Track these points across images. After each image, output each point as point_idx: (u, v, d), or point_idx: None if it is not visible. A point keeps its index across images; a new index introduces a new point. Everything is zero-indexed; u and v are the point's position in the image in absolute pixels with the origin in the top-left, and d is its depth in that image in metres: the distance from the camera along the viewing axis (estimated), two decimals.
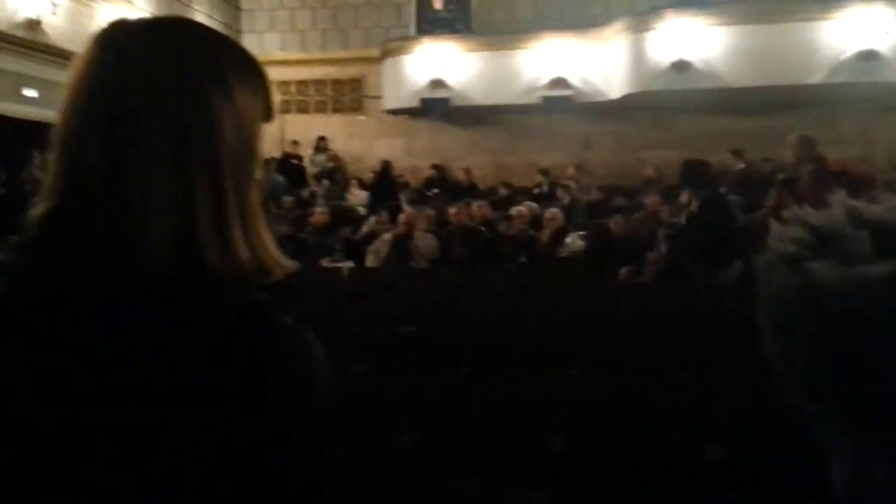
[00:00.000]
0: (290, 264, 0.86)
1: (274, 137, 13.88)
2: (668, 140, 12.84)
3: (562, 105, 12.51)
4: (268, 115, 0.87)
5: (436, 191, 12.05)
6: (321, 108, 14.36)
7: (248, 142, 0.83)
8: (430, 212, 7.94)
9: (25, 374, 0.75)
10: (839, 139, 12.41)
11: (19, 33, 8.96)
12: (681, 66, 11.27)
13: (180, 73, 0.79)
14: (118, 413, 0.74)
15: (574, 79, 12.51)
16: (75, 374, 0.75)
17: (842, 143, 12.44)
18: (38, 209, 0.79)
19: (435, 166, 12.98)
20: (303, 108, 14.29)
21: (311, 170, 13.22)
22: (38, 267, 0.78)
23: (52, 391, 0.75)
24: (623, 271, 6.22)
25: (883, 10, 10.80)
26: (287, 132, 13.75)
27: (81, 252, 0.76)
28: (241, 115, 0.82)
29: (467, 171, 12.82)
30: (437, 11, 13.46)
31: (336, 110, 14.35)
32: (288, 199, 10.90)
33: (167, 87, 0.79)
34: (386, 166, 12.44)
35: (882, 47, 10.74)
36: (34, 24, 9.10)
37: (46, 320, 0.76)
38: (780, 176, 6.37)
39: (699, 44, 11.21)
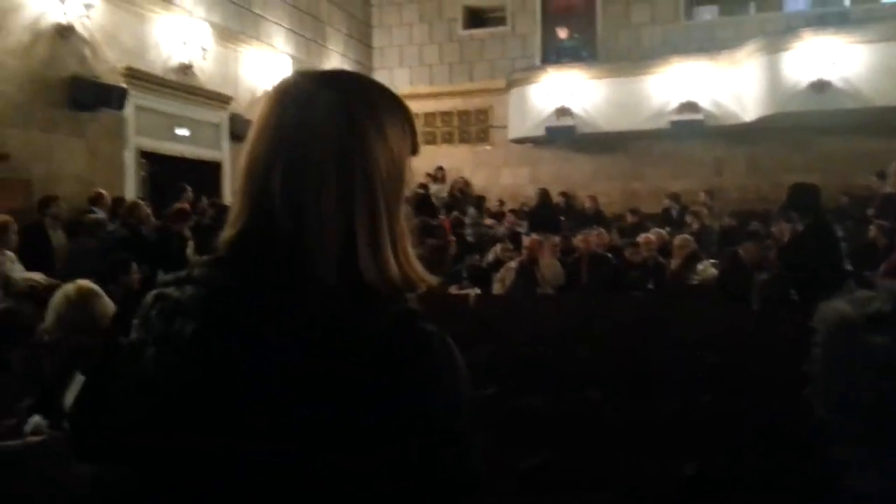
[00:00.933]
0: (432, 279, 0.98)
1: None
2: (806, 163, 12.27)
3: (691, 129, 12.25)
4: (414, 150, 1.01)
5: (562, 219, 12.03)
6: (448, 139, 14.69)
7: (399, 173, 0.97)
8: (556, 239, 7.94)
9: (223, 369, 0.89)
10: None
11: (173, 77, 9.72)
12: (819, 86, 10.80)
13: (344, 117, 0.94)
14: (293, 407, 0.86)
15: (704, 102, 12.23)
16: (263, 367, 0.88)
17: None
18: (226, 232, 0.95)
19: (561, 194, 12.95)
20: (430, 140, 14.66)
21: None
22: (232, 278, 0.93)
23: (244, 382, 0.88)
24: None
25: None
26: (414, 163, 14.13)
27: (266, 266, 0.91)
28: (392, 151, 0.96)
29: (593, 198, 12.70)
30: (562, 41, 13.53)
31: (463, 141, 14.63)
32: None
33: (334, 129, 0.93)
34: (544, 194, 12.36)
35: None
36: (186, 69, 9.85)
37: (239, 324, 0.89)
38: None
39: (839, 62, 10.70)
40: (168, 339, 0.91)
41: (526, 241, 7.62)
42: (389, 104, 0.98)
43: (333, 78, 1.00)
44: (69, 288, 3.06)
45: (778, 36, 11.45)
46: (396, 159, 0.96)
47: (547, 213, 11.92)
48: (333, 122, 0.93)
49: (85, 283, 3.11)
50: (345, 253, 0.90)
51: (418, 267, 0.97)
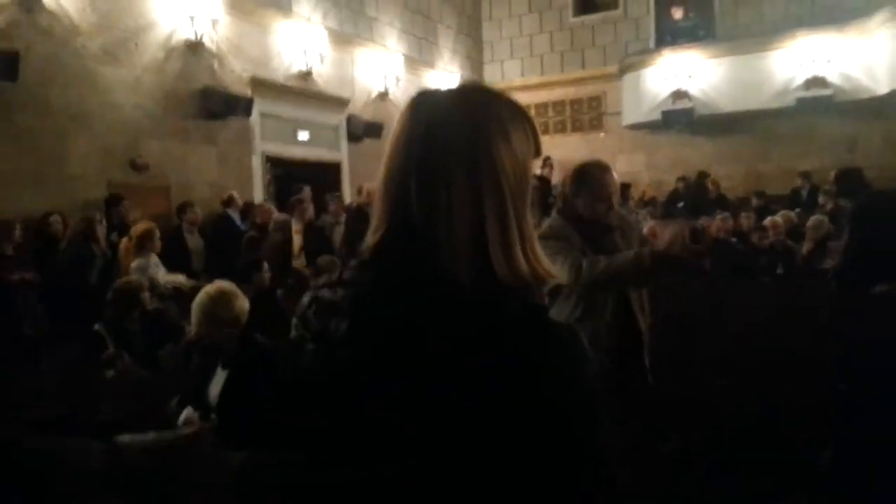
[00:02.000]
0: (558, 274, 1.04)
1: None
2: None
3: (820, 105, 11.63)
4: (537, 152, 1.07)
5: (681, 204, 11.70)
6: (560, 129, 14.57)
7: (524, 175, 1.04)
8: (678, 226, 7.73)
9: (372, 363, 0.98)
10: None
11: (294, 83, 10.12)
12: None
13: (472, 128, 1.01)
14: (436, 400, 0.94)
15: (833, 76, 11.58)
16: (407, 362, 0.96)
17: None
18: (370, 238, 1.05)
19: (681, 178, 12.59)
20: (543, 131, 14.50)
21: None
22: (377, 280, 1.03)
23: (391, 375, 0.97)
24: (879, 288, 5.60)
25: None
26: None
27: (406, 267, 1.00)
28: (517, 155, 1.03)
29: (714, 182, 12.29)
30: (678, 20, 13.13)
31: (575, 129, 14.47)
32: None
33: (463, 138, 1.01)
34: (700, 177, 12.06)
35: None
36: (306, 75, 10.24)
37: (384, 322, 0.99)
38: None
39: None
40: (325, 336, 1.02)
41: (645, 228, 7.46)
42: (512, 112, 1.05)
43: (461, 91, 1.09)
44: (210, 288, 3.28)
45: None
46: (521, 162, 1.03)
47: (702, 196, 11.60)
48: (462, 132, 1.01)
49: (224, 283, 3.32)
50: (477, 252, 0.97)
51: (545, 262, 1.03)
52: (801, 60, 11.72)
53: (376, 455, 0.96)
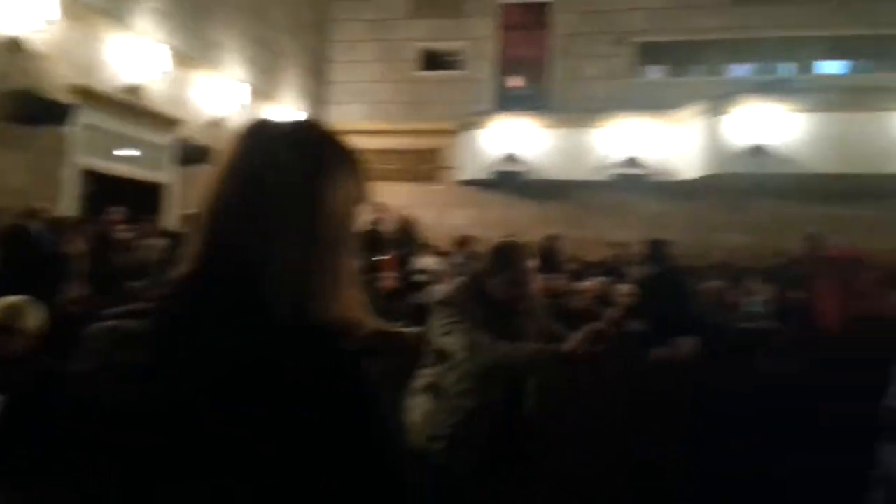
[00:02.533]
0: (374, 323, 1.06)
1: None
2: (741, 224, 12.74)
3: (634, 183, 12.59)
4: (362, 197, 1.09)
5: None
6: (398, 177, 14.78)
7: (346, 220, 1.05)
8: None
9: (170, 400, 0.95)
10: None
11: (124, 97, 9.60)
12: (757, 151, 11.25)
13: (301, 166, 1.02)
14: (232, 439, 0.92)
15: (647, 158, 12.60)
16: (207, 400, 0.94)
17: None
18: (182, 268, 1.02)
19: (509, 237, 13.11)
20: (381, 177, 14.73)
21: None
22: (183, 314, 0.99)
23: (189, 413, 0.94)
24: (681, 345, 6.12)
25: None
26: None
27: (217, 303, 0.97)
28: (342, 198, 1.04)
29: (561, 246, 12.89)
30: (515, 89, 13.82)
31: (413, 179, 14.73)
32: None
33: (289, 177, 1.01)
34: (551, 241, 12.51)
35: None
36: (138, 89, 9.75)
37: (186, 358, 0.96)
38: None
39: (777, 129, 11.18)
40: (118, 368, 0.96)
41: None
42: (342, 155, 1.06)
43: (294, 128, 1.08)
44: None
45: (721, 99, 11.91)
46: (345, 206, 1.03)
47: (552, 263, 12.00)
48: (290, 169, 1.00)
49: (17, 298, 3.03)
50: (294, 293, 0.96)
51: (362, 309, 1.04)
52: (621, 139, 12.66)
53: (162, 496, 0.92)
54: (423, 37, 14.75)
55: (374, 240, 12.91)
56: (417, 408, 2.90)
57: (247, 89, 11.92)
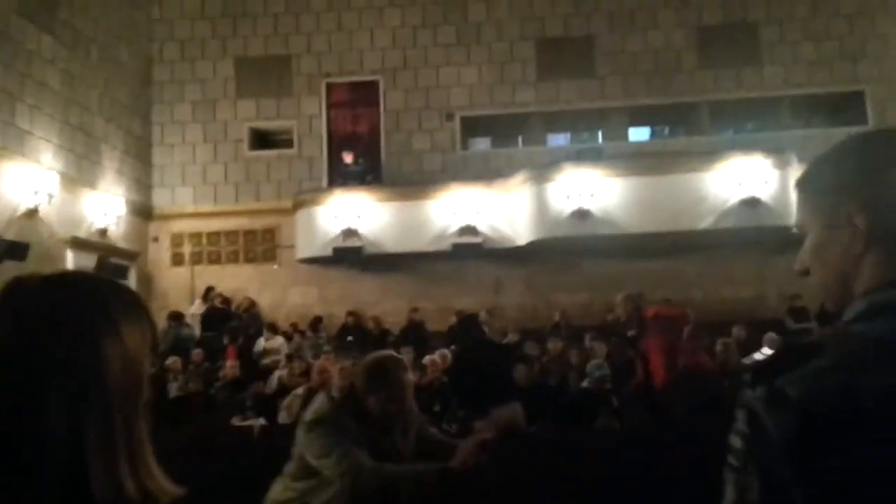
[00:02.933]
0: (176, 490, 0.94)
1: (184, 289, 13.76)
2: (575, 283, 13.39)
3: (471, 251, 12.93)
4: (154, 350, 0.98)
5: (350, 338, 12.05)
6: (233, 259, 14.35)
7: (136, 377, 0.93)
8: (347, 362, 7.84)
9: None
10: (733, 280, 13.26)
11: None
12: (581, 214, 11.92)
13: (72, 323, 0.90)
14: None
15: (482, 226, 13.01)
16: None
17: (735, 284, 13.29)
18: None
19: (350, 313, 13.02)
20: (214, 259, 14.26)
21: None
22: None
23: None
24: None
25: (761, 160, 11.84)
26: (197, 283, 13.65)
27: None
28: (129, 354, 0.93)
29: (376, 319, 12.98)
30: (348, 165, 13.93)
31: (249, 260, 14.35)
32: (196, 352, 10.64)
33: (61, 337, 0.89)
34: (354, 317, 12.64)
35: (762, 195, 11.67)
36: None
37: None
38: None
39: (596, 193, 11.92)
40: None
41: (316, 365, 7.48)
42: (126, 303, 0.96)
43: (63, 280, 0.97)
44: None
45: (543, 168, 12.58)
46: (134, 362, 0.93)
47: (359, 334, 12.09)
48: (60, 327, 0.89)
49: None
50: (73, 470, 0.85)
51: (159, 477, 0.93)
52: (455, 209, 13.02)
53: None
54: (250, 116, 14.60)
55: (213, 326, 12.44)
56: None
57: (57, 178, 11.19)
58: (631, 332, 7.17)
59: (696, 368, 5.84)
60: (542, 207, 12.31)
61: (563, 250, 12.86)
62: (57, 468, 0.84)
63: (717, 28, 14.14)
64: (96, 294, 0.95)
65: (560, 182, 12.14)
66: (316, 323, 12.94)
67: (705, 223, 11.80)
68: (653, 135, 15.66)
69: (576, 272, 13.45)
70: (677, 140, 14.84)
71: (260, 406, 7.43)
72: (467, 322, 8.41)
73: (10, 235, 10.16)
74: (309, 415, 2.91)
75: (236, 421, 7.01)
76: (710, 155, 12.38)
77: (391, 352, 3.26)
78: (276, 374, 8.57)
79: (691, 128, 14.57)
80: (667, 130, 15.69)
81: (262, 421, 6.94)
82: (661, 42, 14.18)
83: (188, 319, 12.53)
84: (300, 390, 7.33)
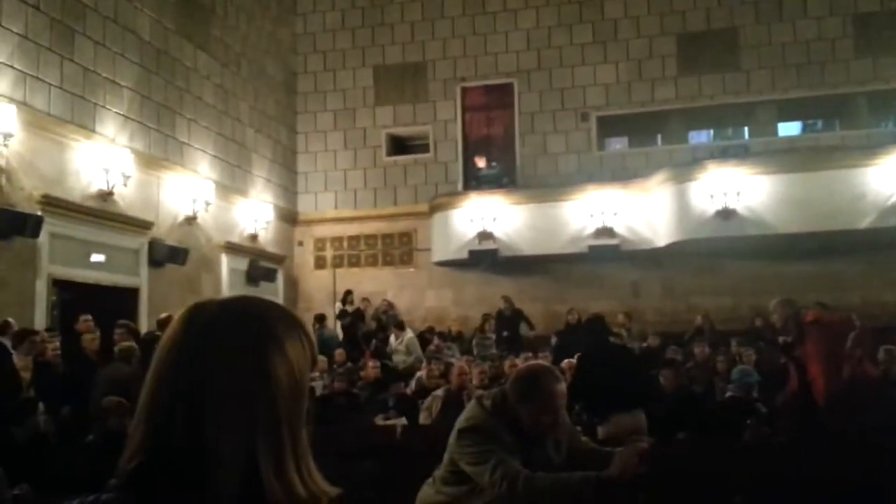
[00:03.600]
0: (333, 490, 1.03)
1: (326, 291, 14.27)
2: (717, 286, 12.84)
3: (608, 254, 12.68)
4: (314, 364, 1.08)
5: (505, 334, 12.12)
6: (372, 262, 14.77)
7: (300, 388, 1.03)
8: (485, 365, 7.91)
9: None
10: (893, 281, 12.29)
11: (91, 204, 9.54)
12: (725, 214, 11.43)
13: (245, 345, 1.00)
14: None
15: (619, 228, 12.73)
16: None
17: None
18: (131, 459, 0.97)
19: (486, 316, 13.05)
20: (354, 263, 14.73)
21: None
22: None
23: None
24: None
25: None
26: (339, 286, 14.12)
27: (170, 495, 0.93)
28: (294, 370, 1.02)
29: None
30: (483, 168, 14.01)
31: (386, 263, 14.73)
32: (339, 352, 11.00)
33: (235, 358, 0.99)
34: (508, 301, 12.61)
35: None
36: (105, 195, 9.68)
37: None
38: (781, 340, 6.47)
39: (743, 192, 11.39)
40: None
41: (455, 367, 7.57)
42: (288, 324, 1.05)
43: (236, 304, 1.07)
44: None
45: (684, 166, 12.16)
46: (297, 375, 1.02)
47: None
48: (235, 348, 0.99)
49: None
50: (249, 476, 0.94)
51: (320, 480, 1.02)
52: (591, 211, 12.81)
53: None
54: (388, 123, 14.98)
55: (355, 328, 12.85)
56: None
57: (212, 186, 11.91)
58: (784, 339, 6.76)
59: (864, 378, 5.45)
60: (683, 207, 11.90)
61: (705, 252, 12.38)
62: (233, 477, 0.92)
63: (875, 14, 13.17)
64: (266, 318, 1.03)
65: (703, 181, 11.69)
66: (483, 323, 12.87)
67: (864, 222, 11.01)
68: (804, 129, 14.78)
69: (718, 275, 12.90)
70: (832, 134, 13.94)
71: (401, 406, 7.58)
72: (593, 324, 8.23)
73: (171, 241, 10.92)
74: (462, 422, 2.89)
75: (379, 420, 7.19)
76: (870, 149, 11.56)
77: (544, 363, 3.22)
78: (417, 374, 8.72)
79: (847, 120, 13.66)
80: (819, 124, 14.76)
81: (403, 421, 7.08)
82: (813, 31, 13.36)
83: (329, 322, 12.99)
84: (440, 392, 7.43)
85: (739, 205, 11.42)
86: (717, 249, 12.15)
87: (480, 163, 13.94)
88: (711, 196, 11.50)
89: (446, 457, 2.91)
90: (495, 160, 14.08)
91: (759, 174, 11.52)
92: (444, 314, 13.89)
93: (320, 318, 12.57)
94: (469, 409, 2.96)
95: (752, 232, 11.42)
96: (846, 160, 11.35)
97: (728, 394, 7.35)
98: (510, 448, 2.71)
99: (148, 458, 0.95)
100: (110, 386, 6.37)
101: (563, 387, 2.86)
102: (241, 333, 1.00)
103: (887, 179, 11.02)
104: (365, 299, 13.77)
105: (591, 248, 12.71)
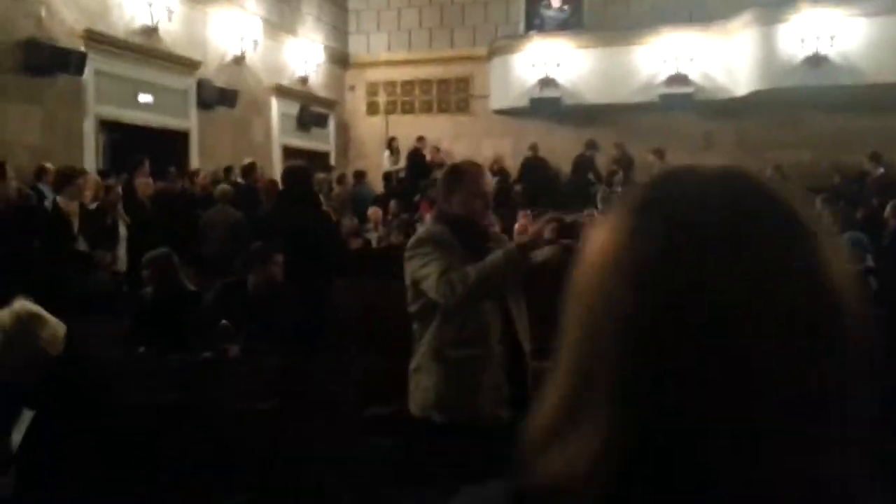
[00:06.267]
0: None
1: (379, 138, 13.76)
2: (796, 140, 11.98)
3: (681, 103, 11.85)
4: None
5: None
6: (426, 109, 14.12)
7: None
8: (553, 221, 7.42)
9: None
10: None
11: (136, 40, 9.03)
12: (816, 61, 10.45)
13: (784, 238, 0.53)
14: None
15: (694, 75, 11.82)
16: None
17: None
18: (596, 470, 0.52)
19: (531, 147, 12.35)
20: (408, 109, 14.11)
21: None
22: None
23: None
24: None
25: None
26: (392, 133, 13.58)
27: None
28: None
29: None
30: (549, 7, 12.97)
31: (442, 110, 14.08)
32: (392, 203, 10.60)
33: (774, 260, 0.51)
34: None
35: None
36: (151, 31, 9.16)
37: None
38: None
39: (837, 37, 10.33)
40: None
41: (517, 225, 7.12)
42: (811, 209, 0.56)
43: (733, 179, 0.56)
44: (19, 309, 2.52)
45: (774, 7, 11.01)
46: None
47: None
48: (768, 250, 0.52)
49: (23, 306, 2.54)
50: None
51: None
52: (664, 57, 11.87)
53: None
54: None
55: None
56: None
57: (259, 23, 11.22)
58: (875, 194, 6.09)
59: None
60: (769, 53, 10.90)
61: (786, 102, 11.44)
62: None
63: None
64: (783, 203, 0.54)
65: (792, 23, 10.61)
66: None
67: None
68: None
69: (798, 127, 11.99)
70: None
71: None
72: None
73: (219, 83, 10.43)
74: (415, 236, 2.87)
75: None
76: None
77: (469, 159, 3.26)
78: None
79: None
80: None
81: None
82: None
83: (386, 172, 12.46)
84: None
85: (832, 50, 10.40)
86: (800, 100, 11.21)
87: (556, 2, 12.83)
88: (803, 40, 10.46)
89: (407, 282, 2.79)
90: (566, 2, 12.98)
91: (856, 16, 10.39)
92: (503, 164, 13.33)
93: (360, 175, 12.07)
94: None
95: (844, 81, 10.45)
96: None
97: None
98: (458, 257, 2.62)
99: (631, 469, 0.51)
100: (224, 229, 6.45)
101: (488, 176, 2.94)
102: (790, 220, 0.53)
103: None
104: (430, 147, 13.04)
105: (663, 96, 11.87)
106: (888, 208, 6.67)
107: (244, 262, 4.73)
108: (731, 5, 11.90)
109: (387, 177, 12.40)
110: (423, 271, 2.61)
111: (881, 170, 9.95)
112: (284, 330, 4.37)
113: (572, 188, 10.63)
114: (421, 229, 2.94)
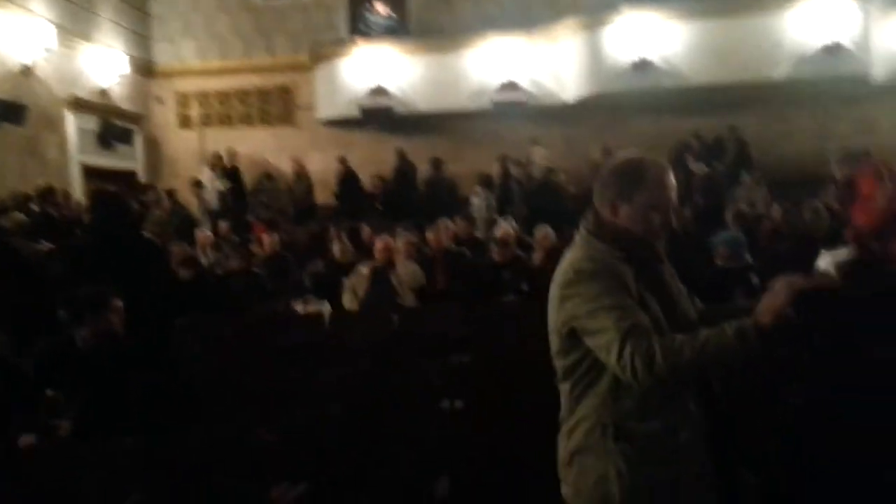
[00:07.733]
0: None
1: (194, 153, 12.59)
2: (622, 143, 12.21)
3: (514, 110, 11.74)
4: None
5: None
6: (246, 121, 13.10)
7: None
8: (412, 237, 6.88)
9: None
10: (791, 134, 12.14)
11: None
12: (641, 65, 10.68)
13: None
14: None
15: (525, 82, 11.77)
16: None
17: (794, 139, 12.18)
18: None
19: (378, 178, 11.91)
20: (225, 122, 13.01)
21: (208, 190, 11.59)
22: None
23: None
24: None
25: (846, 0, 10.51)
26: (208, 148, 12.43)
27: None
28: None
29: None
30: (373, 13, 12.45)
31: (263, 122, 13.11)
32: (223, 225, 9.62)
33: None
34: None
35: (845, 40, 10.41)
36: None
37: None
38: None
39: (659, 40, 10.63)
40: None
41: (379, 243, 6.49)
42: None
43: None
44: None
45: (597, 11, 11.17)
46: None
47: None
48: None
49: None
50: None
51: None
52: (494, 63, 11.73)
53: None
54: None
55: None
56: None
57: (50, 29, 9.77)
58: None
59: None
60: (595, 58, 11.04)
61: (613, 106, 11.68)
62: None
63: None
64: None
65: (617, 27, 10.80)
66: None
67: (780, 72, 10.62)
68: None
69: (623, 130, 12.24)
70: None
71: (320, 287, 6.53)
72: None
73: (4, 95, 8.93)
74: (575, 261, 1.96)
75: (299, 306, 6.09)
76: None
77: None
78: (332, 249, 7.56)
79: None
80: None
81: (328, 307, 6.06)
82: None
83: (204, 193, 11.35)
84: (365, 269, 6.39)
85: (655, 55, 10.70)
86: (628, 104, 11.47)
87: (382, 9, 12.31)
88: (626, 45, 10.68)
89: (551, 329, 1.98)
90: (388, 5, 12.52)
91: (676, 20, 10.78)
92: (330, 179, 12.59)
93: (198, 184, 10.97)
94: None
95: (668, 83, 10.81)
96: (765, 4, 10.74)
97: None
98: (631, 285, 1.87)
99: None
100: None
101: (672, 178, 1.97)
102: None
103: (804, 27, 10.55)
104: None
105: (496, 103, 11.71)
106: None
107: (70, 313, 3.77)
108: (555, 10, 11.99)
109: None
110: (592, 324, 1.84)
111: (706, 169, 10.36)
112: (133, 397, 3.49)
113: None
114: (578, 252, 2.00)
